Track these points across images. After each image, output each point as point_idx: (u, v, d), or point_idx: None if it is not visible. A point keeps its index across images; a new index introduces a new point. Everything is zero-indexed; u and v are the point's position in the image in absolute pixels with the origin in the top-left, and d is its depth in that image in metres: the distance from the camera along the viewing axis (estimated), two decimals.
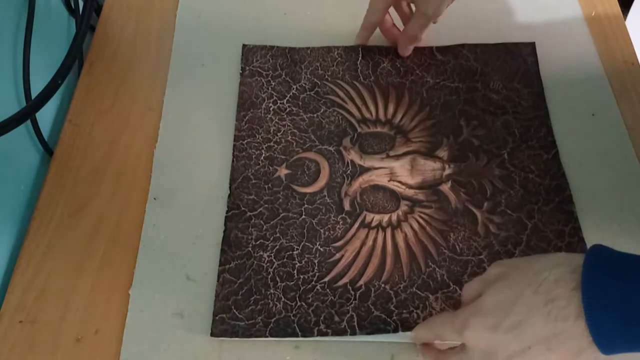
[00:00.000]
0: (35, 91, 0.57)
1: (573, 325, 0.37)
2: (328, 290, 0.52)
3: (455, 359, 0.44)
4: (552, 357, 0.38)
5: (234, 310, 0.51)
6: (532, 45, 0.67)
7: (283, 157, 0.59)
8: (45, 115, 0.63)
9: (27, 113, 0.54)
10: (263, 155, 0.59)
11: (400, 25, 0.67)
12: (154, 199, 0.58)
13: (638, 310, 0.35)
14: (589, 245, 0.54)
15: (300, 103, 0.63)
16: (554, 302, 0.37)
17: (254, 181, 0.58)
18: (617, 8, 0.71)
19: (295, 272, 0.53)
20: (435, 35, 0.67)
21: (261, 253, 0.54)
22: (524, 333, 0.39)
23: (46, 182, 0.59)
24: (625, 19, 0.71)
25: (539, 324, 0.38)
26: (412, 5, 0.66)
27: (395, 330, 0.50)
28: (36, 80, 0.58)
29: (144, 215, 0.57)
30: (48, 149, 0.62)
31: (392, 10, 0.65)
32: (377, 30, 0.67)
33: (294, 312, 0.51)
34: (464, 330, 0.42)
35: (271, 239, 0.54)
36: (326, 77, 0.65)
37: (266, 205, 0.56)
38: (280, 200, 0.56)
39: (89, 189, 0.59)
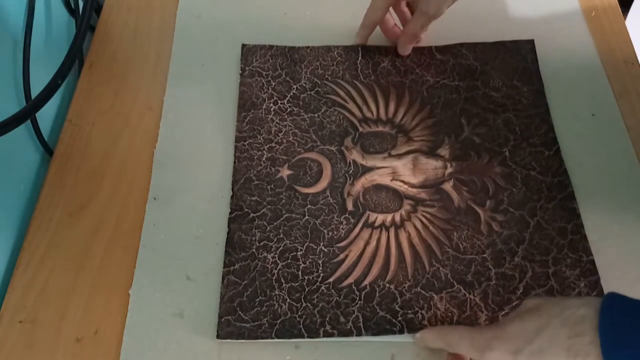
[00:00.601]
0: (35, 91, 0.57)
1: None
2: (333, 290, 0.52)
3: None
4: None
5: (240, 312, 0.51)
6: (531, 42, 0.67)
7: (285, 157, 0.59)
8: (45, 115, 0.63)
9: (27, 113, 0.53)
10: (265, 156, 0.59)
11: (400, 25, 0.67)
12: (154, 198, 0.58)
13: None
14: (590, 245, 0.54)
15: (301, 103, 0.63)
16: (578, 337, 0.38)
17: (256, 182, 0.58)
18: (617, 8, 0.72)
19: (299, 273, 0.53)
20: (435, 34, 0.67)
21: (265, 254, 0.53)
22: None
23: (46, 182, 0.59)
24: (625, 18, 0.71)
25: (560, 356, 0.38)
26: (410, 6, 0.67)
27: (401, 332, 0.50)
28: (36, 80, 0.58)
29: (144, 215, 0.57)
30: (48, 149, 0.62)
31: (391, 10, 0.66)
32: (377, 30, 0.67)
33: (299, 313, 0.51)
34: (485, 351, 0.42)
35: (275, 240, 0.54)
36: (326, 76, 0.65)
37: (269, 206, 0.56)
38: (283, 201, 0.56)
39: (89, 188, 0.58)
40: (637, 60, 0.67)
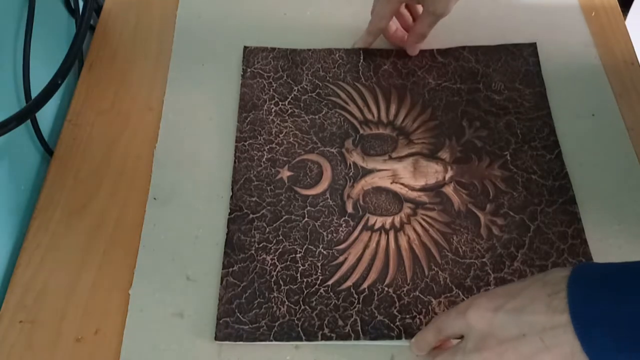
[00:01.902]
0: (35, 91, 0.57)
1: (569, 321, 0.38)
2: (332, 293, 0.52)
3: (453, 347, 0.45)
4: (544, 355, 0.39)
5: (238, 314, 0.51)
6: (533, 45, 0.67)
7: (285, 159, 0.59)
8: (46, 115, 0.63)
9: (27, 113, 0.53)
10: (265, 156, 0.59)
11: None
12: (154, 198, 0.58)
13: (627, 327, 0.36)
14: (591, 246, 0.54)
15: (302, 105, 0.63)
16: (557, 294, 0.39)
17: (256, 183, 0.58)
18: (617, 8, 0.71)
19: (298, 275, 0.53)
20: (436, 37, 0.67)
21: (264, 256, 0.54)
22: (523, 317, 0.40)
23: (46, 182, 0.59)
24: (625, 19, 0.71)
25: (539, 312, 0.39)
26: (410, 7, 0.67)
27: (398, 337, 0.50)
28: (36, 80, 0.58)
29: (144, 215, 0.57)
30: (48, 149, 0.62)
31: None
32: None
33: (297, 315, 0.51)
34: (468, 309, 0.43)
35: (274, 241, 0.54)
36: (328, 78, 0.64)
37: (269, 208, 0.56)
38: (283, 202, 0.56)
39: (89, 188, 0.58)
40: (637, 60, 0.67)
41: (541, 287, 0.40)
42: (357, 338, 0.50)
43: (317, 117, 0.62)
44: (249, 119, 0.62)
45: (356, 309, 0.51)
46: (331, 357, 0.50)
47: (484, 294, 0.44)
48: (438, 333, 0.46)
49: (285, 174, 0.58)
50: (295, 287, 0.52)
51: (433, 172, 0.58)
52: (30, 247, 0.55)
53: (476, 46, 0.67)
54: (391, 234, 0.55)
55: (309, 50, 0.67)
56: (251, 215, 0.56)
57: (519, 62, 0.65)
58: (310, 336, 0.50)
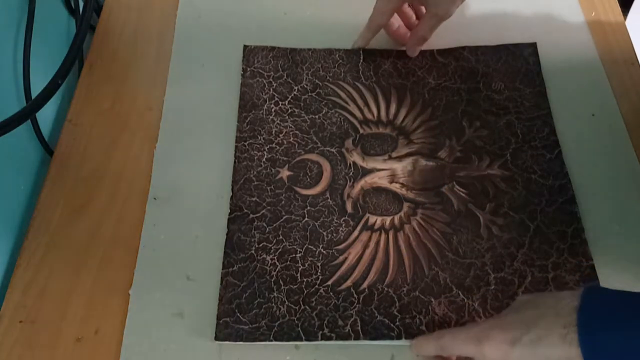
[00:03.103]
0: (35, 91, 0.57)
1: (579, 354, 0.38)
2: (331, 293, 0.52)
3: None
4: None
5: (238, 314, 0.51)
6: (533, 45, 0.67)
7: (285, 158, 0.59)
8: (46, 115, 0.63)
9: (28, 113, 0.53)
10: (265, 156, 0.59)
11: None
12: (154, 198, 0.58)
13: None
14: (591, 246, 0.54)
15: (302, 104, 0.63)
16: (572, 326, 0.38)
17: (256, 183, 0.58)
18: (617, 8, 0.71)
19: (298, 275, 0.53)
20: (436, 37, 0.67)
21: (264, 256, 0.54)
22: (540, 350, 0.40)
23: (46, 182, 0.59)
24: (625, 19, 0.71)
25: (556, 344, 0.39)
26: (413, 6, 0.67)
27: (398, 337, 0.50)
28: (36, 80, 0.58)
29: (144, 215, 0.57)
30: (48, 149, 0.62)
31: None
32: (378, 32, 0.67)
33: (297, 315, 0.51)
34: (482, 341, 0.43)
35: (274, 241, 0.54)
36: (328, 78, 0.64)
37: (269, 207, 0.56)
38: (283, 202, 0.56)
39: (89, 188, 0.59)
40: (637, 60, 0.67)
41: (554, 316, 0.40)
42: (357, 338, 0.50)
43: (317, 116, 0.62)
44: (249, 118, 0.62)
45: (356, 309, 0.51)
46: (331, 357, 0.50)
47: (497, 324, 0.43)
48: (441, 350, 0.46)
49: (285, 173, 0.58)
50: (295, 287, 0.52)
51: (433, 172, 0.58)
52: (30, 247, 0.55)
53: (476, 46, 0.67)
54: (391, 234, 0.55)
55: (309, 49, 0.66)
56: (251, 215, 0.56)
57: (519, 62, 0.65)
58: (310, 336, 0.50)
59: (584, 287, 0.41)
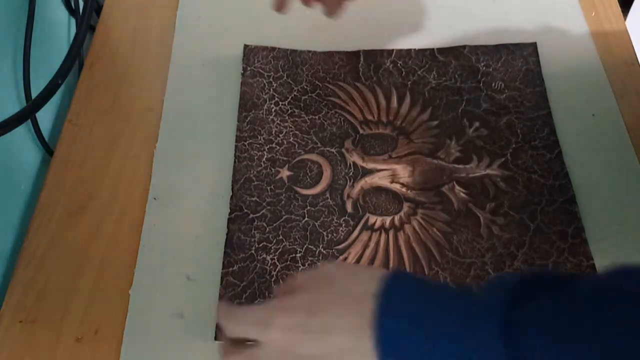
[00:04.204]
0: (35, 91, 0.57)
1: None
2: None
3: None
4: None
5: None
6: (533, 45, 0.67)
7: (285, 158, 0.59)
8: (46, 115, 0.63)
9: (28, 113, 0.53)
10: (265, 156, 0.59)
11: None
12: (154, 199, 0.58)
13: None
14: (591, 246, 0.54)
15: (302, 104, 0.63)
16: (367, 315, 0.36)
17: (256, 183, 0.58)
18: (617, 8, 0.71)
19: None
20: (436, 36, 0.67)
21: (264, 256, 0.54)
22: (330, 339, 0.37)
23: (46, 182, 0.59)
24: (625, 19, 0.71)
25: (342, 333, 0.37)
26: None
27: None
28: (36, 80, 0.58)
29: (144, 215, 0.57)
30: (48, 149, 0.62)
31: None
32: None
33: None
34: (267, 327, 0.38)
35: (274, 241, 0.54)
36: (327, 79, 0.64)
37: (269, 207, 0.56)
38: (283, 202, 0.56)
39: (89, 188, 0.59)
40: (637, 61, 0.66)
41: (349, 302, 0.38)
42: None
43: (317, 117, 0.62)
44: (249, 118, 0.61)
45: None
46: None
47: (281, 303, 0.40)
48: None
49: (285, 173, 0.58)
50: None
51: (433, 172, 0.58)
52: (30, 246, 0.55)
53: (476, 45, 0.67)
54: (391, 234, 0.55)
55: (309, 51, 0.66)
56: (251, 215, 0.56)
57: (519, 61, 0.65)
58: None
59: (388, 272, 0.38)
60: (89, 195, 0.58)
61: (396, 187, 0.57)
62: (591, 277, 0.44)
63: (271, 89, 0.63)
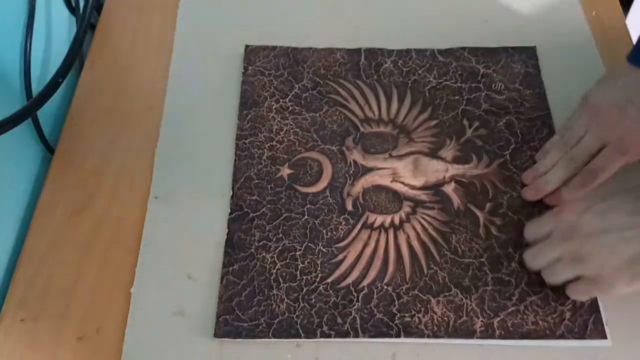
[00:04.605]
0: (36, 89, 0.57)
1: None
2: (331, 291, 0.52)
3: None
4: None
5: (237, 312, 0.51)
6: (532, 49, 0.66)
7: (285, 156, 0.59)
8: (47, 114, 0.63)
9: (28, 111, 0.53)
10: (265, 154, 0.59)
11: None
12: (155, 197, 0.58)
13: None
14: None
15: (303, 102, 0.63)
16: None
17: (256, 181, 0.58)
18: (617, 8, 0.71)
19: (298, 273, 0.53)
20: (436, 37, 0.67)
21: (264, 254, 0.54)
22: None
23: (47, 181, 0.59)
24: (625, 18, 0.71)
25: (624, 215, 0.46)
26: None
27: (397, 335, 0.50)
28: (37, 79, 0.58)
29: (145, 214, 0.57)
30: (49, 148, 0.62)
31: None
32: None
33: (297, 313, 0.51)
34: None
35: (274, 239, 0.54)
36: (328, 76, 0.64)
37: (269, 206, 0.56)
38: (283, 200, 0.56)
39: (90, 187, 0.59)
40: None
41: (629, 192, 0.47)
42: (356, 336, 0.50)
43: (317, 114, 0.62)
44: (249, 116, 0.62)
45: (355, 306, 0.51)
46: (332, 355, 0.50)
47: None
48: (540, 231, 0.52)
49: (286, 171, 0.58)
50: (294, 284, 0.52)
51: (433, 171, 0.58)
52: (31, 245, 0.55)
53: (476, 47, 0.66)
54: (390, 233, 0.55)
55: (310, 49, 0.66)
56: (251, 214, 0.56)
57: (519, 64, 0.65)
58: (309, 334, 0.50)
59: None
60: (90, 193, 0.58)
61: (396, 186, 0.58)
62: None
63: (272, 87, 0.64)
